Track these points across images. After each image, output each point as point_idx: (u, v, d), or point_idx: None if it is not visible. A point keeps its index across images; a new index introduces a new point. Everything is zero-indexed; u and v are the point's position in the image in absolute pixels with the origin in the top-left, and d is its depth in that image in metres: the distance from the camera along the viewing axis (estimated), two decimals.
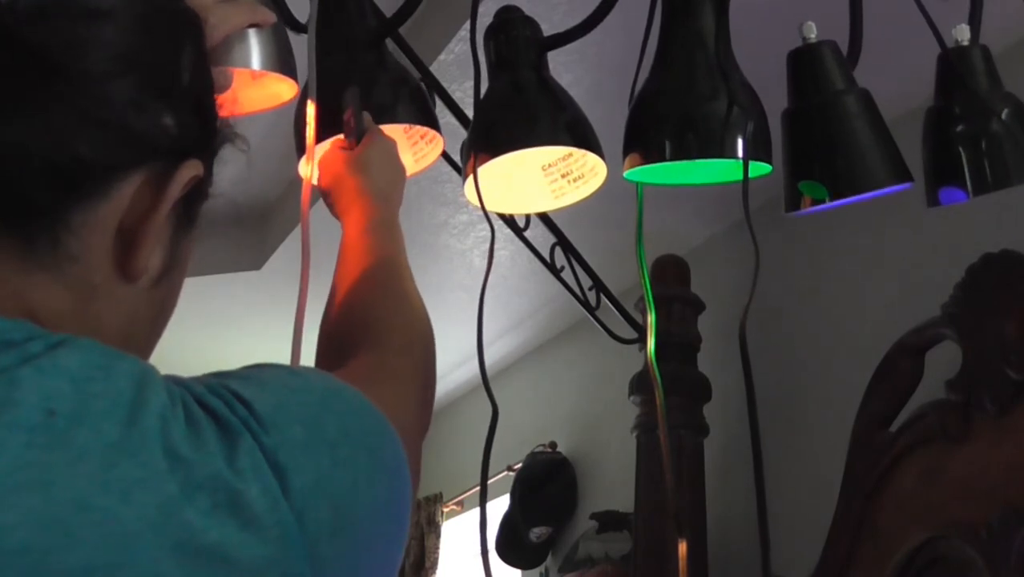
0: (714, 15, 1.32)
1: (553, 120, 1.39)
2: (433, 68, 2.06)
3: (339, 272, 1.10)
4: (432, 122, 1.42)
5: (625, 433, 2.69)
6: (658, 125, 1.31)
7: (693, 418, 2.58)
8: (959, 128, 1.34)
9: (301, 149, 1.32)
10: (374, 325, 0.99)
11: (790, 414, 2.55)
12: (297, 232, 2.89)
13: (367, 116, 1.29)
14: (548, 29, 1.49)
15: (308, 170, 1.24)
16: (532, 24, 1.46)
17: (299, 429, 0.63)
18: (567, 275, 2.36)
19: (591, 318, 2.53)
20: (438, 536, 3.92)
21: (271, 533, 0.58)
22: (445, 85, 1.91)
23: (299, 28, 1.44)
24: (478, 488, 1.41)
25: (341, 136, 1.29)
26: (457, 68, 2.22)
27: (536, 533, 3.32)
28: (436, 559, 3.88)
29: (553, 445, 3.45)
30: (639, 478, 2.62)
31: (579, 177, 1.44)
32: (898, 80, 1.97)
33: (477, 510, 1.39)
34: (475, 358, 1.40)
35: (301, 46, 1.32)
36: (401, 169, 1.27)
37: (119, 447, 0.56)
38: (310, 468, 0.61)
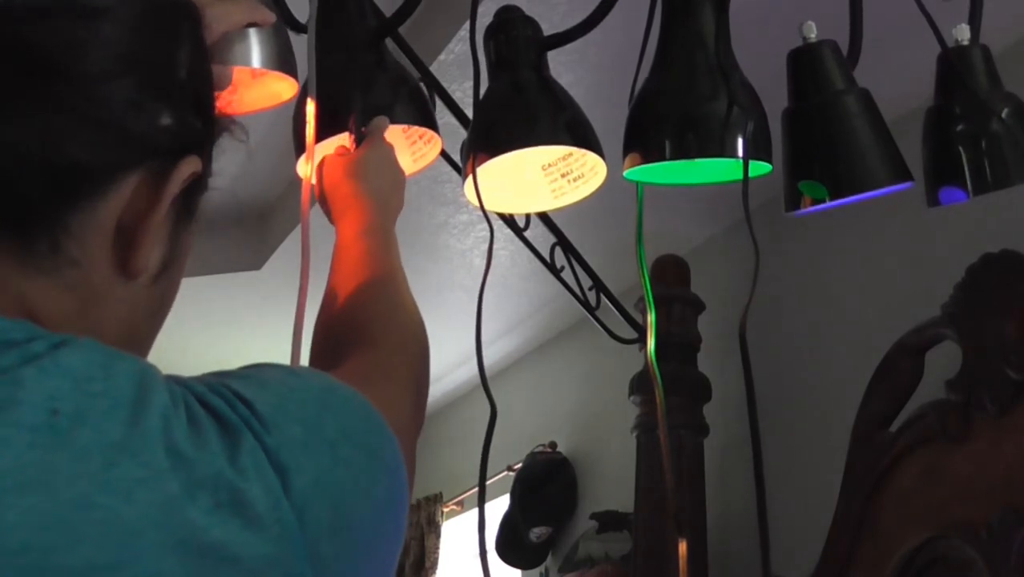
0: (714, 15, 1.32)
1: (553, 120, 1.39)
2: (433, 68, 2.06)
3: (333, 275, 1.11)
4: (430, 123, 1.42)
5: (625, 433, 2.69)
6: (658, 125, 1.31)
7: (693, 418, 2.58)
8: (959, 128, 1.34)
9: (300, 148, 1.32)
10: (368, 327, 0.99)
11: (790, 414, 2.55)
12: (297, 232, 2.89)
13: (376, 122, 1.29)
14: (548, 29, 1.49)
15: (307, 170, 1.24)
16: (532, 24, 1.46)
17: (299, 429, 0.63)
18: (567, 275, 2.36)
19: (591, 318, 2.53)
20: (438, 536, 3.92)
21: (272, 532, 0.58)
22: (445, 85, 1.91)
23: (299, 28, 1.44)
24: (478, 488, 1.41)
25: (342, 140, 1.29)
26: (457, 68, 2.22)
27: (536, 533, 3.32)
28: (436, 559, 3.88)
29: (553, 445, 3.45)
30: (639, 478, 2.62)
31: (579, 177, 1.44)
32: (898, 80, 1.97)
33: (477, 510, 1.39)
34: (475, 358, 1.40)
35: (301, 45, 1.32)
36: (400, 174, 1.27)
37: (121, 446, 0.56)
38: (310, 467, 0.62)
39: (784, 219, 1.42)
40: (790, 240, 2.60)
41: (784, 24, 1.40)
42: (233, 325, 3.57)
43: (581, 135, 1.39)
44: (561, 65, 2.00)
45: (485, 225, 2.79)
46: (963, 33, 1.35)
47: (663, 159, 1.30)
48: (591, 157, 1.40)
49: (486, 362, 1.42)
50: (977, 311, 2.03)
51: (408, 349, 0.99)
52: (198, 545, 0.56)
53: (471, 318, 1.42)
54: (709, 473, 2.56)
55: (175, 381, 0.62)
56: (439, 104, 1.68)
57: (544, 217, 2.21)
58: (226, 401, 0.61)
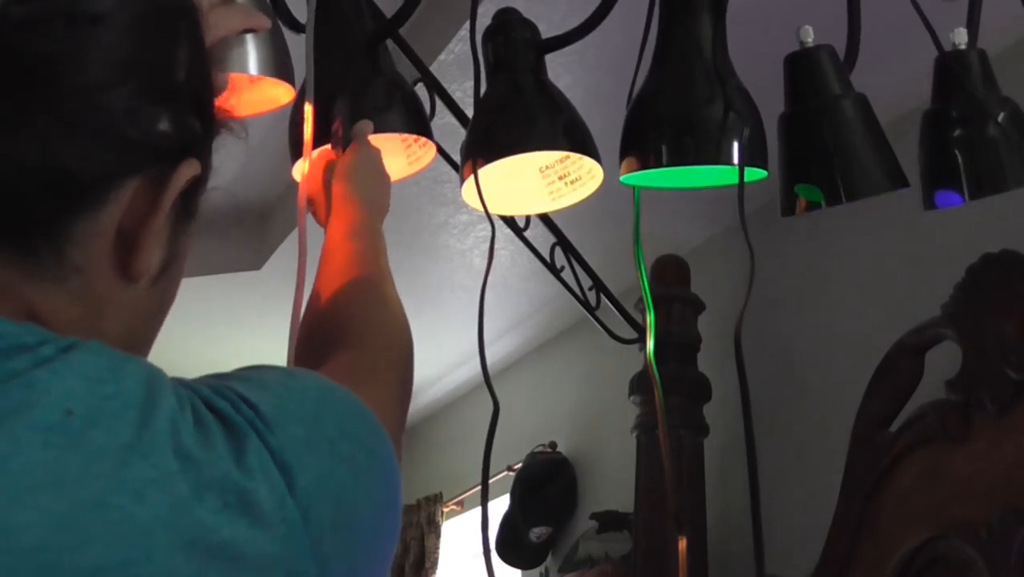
0: (711, 19, 1.32)
1: (550, 124, 1.39)
2: (433, 68, 2.06)
3: (320, 275, 1.11)
4: (424, 130, 1.42)
5: (625, 433, 2.69)
6: (655, 130, 1.31)
7: (693, 418, 2.58)
8: (956, 131, 1.34)
9: (296, 152, 1.32)
10: (355, 327, 1.00)
11: (790, 414, 2.56)
12: (297, 232, 2.89)
13: (360, 126, 1.30)
14: (547, 30, 1.49)
15: (303, 172, 1.25)
16: (530, 26, 1.46)
17: (300, 429, 0.64)
18: (567, 275, 2.36)
19: (591, 318, 2.53)
20: (438, 536, 3.92)
21: (278, 531, 0.59)
22: (445, 85, 1.91)
23: (298, 28, 1.44)
24: (478, 488, 1.41)
25: (329, 147, 1.29)
26: (457, 68, 2.22)
27: (536, 533, 3.33)
28: (436, 559, 3.89)
29: (553, 445, 3.45)
30: (639, 478, 2.62)
31: (576, 180, 1.44)
32: (895, 83, 1.97)
33: (477, 510, 1.39)
34: (475, 358, 1.40)
35: (298, 48, 1.32)
36: (385, 178, 1.28)
37: (132, 448, 0.57)
38: (313, 466, 0.62)
39: (783, 220, 1.42)
40: (789, 241, 2.60)
41: (781, 28, 1.40)
42: (233, 325, 3.58)
43: (578, 139, 1.39)
44: (560, 67, 2.00)
45: (485, 225, 2.80)
46: (960, 37, 1.35)
47: (660, 165, 1.30)
48: (588, 161, 1.40)
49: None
50: (977, 311, 2.03)
51: (393, 348, 1.00)
52: (207, 544, 0.57)
53: (471, 318, 1.42)
54: (709, 473, 2.56)
55: (181, 384, 0.63)
56: (439, 104, 1.69)
57: (544, 217, 2.21)
58: (231, 403, 0.62)
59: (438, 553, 3.89)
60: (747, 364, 1.28)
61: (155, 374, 0.62)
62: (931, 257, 2.30)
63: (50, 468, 0.55)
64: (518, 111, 1.40)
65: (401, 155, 1.43)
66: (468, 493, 3.84)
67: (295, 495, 0.61)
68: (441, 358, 3.81)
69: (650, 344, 1.47)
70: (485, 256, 2.29)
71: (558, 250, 2.32)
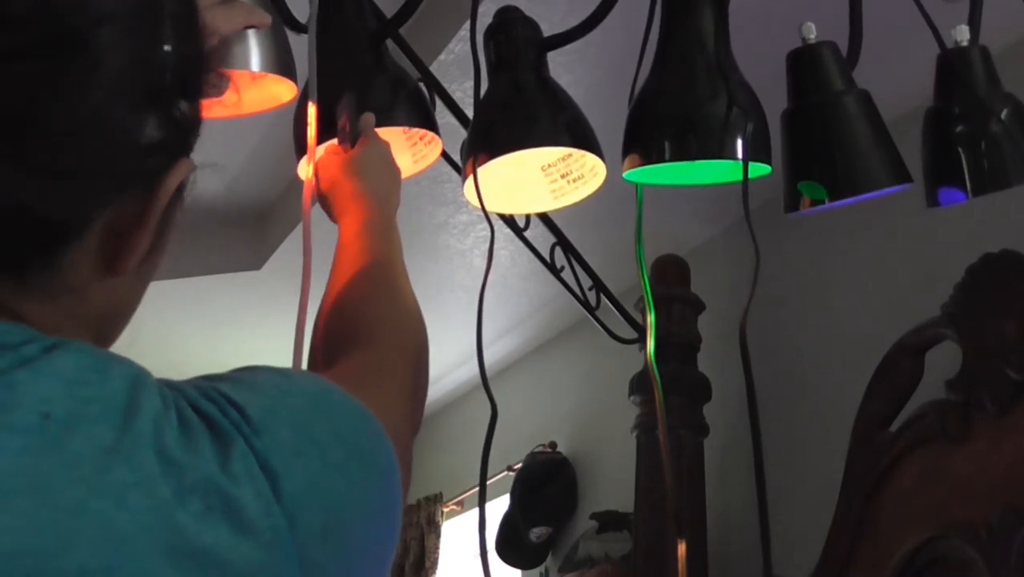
0: (713, 15, 1.32)
1: (552, 121, 1.39)
2: (433, 68, 2.06)
3: (334, 273, 1.10)
4: (430, 124, 1.42)
5: (625, 433, 2.69)
6: (658, 126, 1.31)
7: (693, 418, 2.58)
8: (958, 128, 1.34)
9: (301, 150, 1.32)
10: (367, 324, 0.99)
11: (790, 414, 2.55)
12: (297, 232, 2.89)
13: (364, 120, 1.29)
14: (548, 29, 1.49)
15: (308, 171, 1.24)
16: (532, 24, 1.46)
17: (288, 432, 0.62)
18: (567, 275, 2.36)
19: (591, 318, 2.53)
20: (438, 536, 3.92)
21: (264, 537, 0.58)
22: (445, 85, 1.91)
23: (299, 28, 1.44)
24: (478, 488, 1.41)
25: (336, 141, 1.29)
26: (457, 68, 2.22)
27: (536, 533, 3.32)
28: (436, 559, 3.88)
29: (553, 445, 3.45)
30: (639, 478, 2.62)
31: (579, 178, 1.44)
32: (898, 80, 1.97)
33: (477, 510, 1.39)
34: (475, 358, 1.40)
35: (300, 47, 1.32)
36: (396, 172, 1.27)
37: (113, 451, 0.56)
38: (301, 472, 0.61)
39: (784, 219, 1.42)
40: (790, 240, 2.60)
41: (784, 24, 1.40)
42: (233, 325, 3.57)
43: (580, 136, 1.39)
44: (561, 65, 2.00)
45: (485, 225, 2.80)
46: (962, 34, 1.35)
47: (663, 160, 1.30)
48: (590, 158, 1.40)
49: (486, 362, 1.42)
50: (977, 311, 2.03)
51: (406, 348, 0.98)
52: (189, 550, 0.56)
53: (471, 318, 1.42)
54: (709, 473, 2.56)
55: (167, 385, 0.62)
56: (439, 104, 1.69)
57: (544, 217, 2.21)
58: (217, 406, 0.61)
59: (438, 553, 3.89)
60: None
61: (141, 376, 0.60)
62: (931, 257, 2.30)
63: (28, 472, 0.54)
64: (520, 108, 1.40)
65: (406, 153, 1.44)
66: (468, 493, 3.84)
67: (281, 501, 0.60)
68: (441, 358, 3.81)
69: (651, 344, 1.46)
70: (485, 256, 2.29)
71: (558, 250, 2.32)
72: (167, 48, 0.66)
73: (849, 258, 2.54)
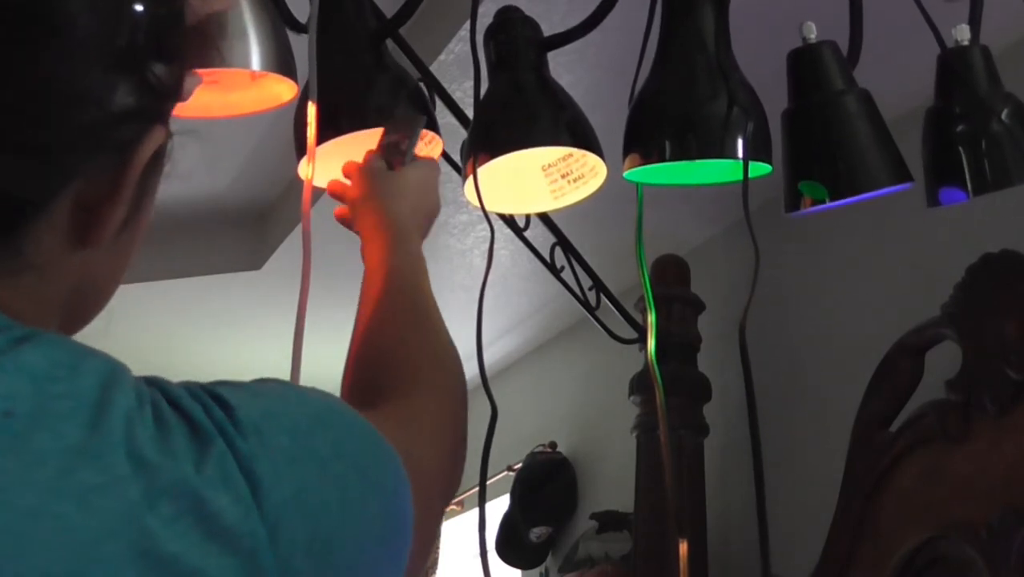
0: (714, 15, 1.32)
1: (553, 120, 1.39)
2: (433, 68, 2.05)
3: (364, 306, 1.06)
4: (431, 124, 1.42)
5: (625, 433, 2.69)
6: (658, 125, 1.31)
7: (693, 418, 2.58)
8: (959, 128, 1.34)
9: (301, 150, 1.32)
10: (404, 368, 0.95)
11: (790, 414, 2.55)
12: (297, 232, 2.89)
13: (421, 146, 1.26)
14: (548, 29, 1.49)
15: (308, 172, 1.24)
16: (532, 24, 1.46)
17: (286, 439, 0.60)
18: (567, 275, 2.36)
19: (591, 318, 2.53)
20: (438, 536, 3.92)
21: (239, 545, 0.55)
22: (445, 85, 1.91)
23: (299, 28, 1.44)
24: (478, 488, 1.41)
25: (343, 142, 1.29)
26: (457, 68, 2.22)
27: (536, 533, 3.32)
28: (436, 559, 3.88)
29: (553, 445, 3.45)
30: (639, 478, 2.62)
31: (579, 177, 1.44)
32: (898, 80, 1.97)
33: (477, 510, 1.39)
34: (475, 358, 1.40)
35: (300, 47, 1.32)
36: (437, 202, 1.24)
37: (79, 451, 0.53)
38: (291, 481, 0.59)
39: (784, 219, 1.42)
40: (790, 240, 2.60)
41: (784, 24, 1.40)
42: (233, 325, 3.57)
43: (581, 135, 1.39)
44: (561, 65, 2.00)
45: (485, 225, 2.79)
46: (963, 33, 1.35)
47: (663, 160, 1.30)
48: (591, 158, 1.40)
49: (486, 362, 1.42)
50: (977, 311, 2.03)
51: (437, 392, 0.94)
52: (158, 556, 0.53)
53: (471, 318, 1.42)
54: (709, 473, 2.55)
55: (147, 382, 0.59)
56: (439, 104, 1.69)
57: (544, 217, 2.21)
58: (202, 405, 0.58)
59: (438, 553, 3.89)
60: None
61: (116, 371, 0.58)
62: (931, 257, 2.30)
63: None
64: (520, 108, 1.40)
65: None
66: (468, 493, 3.83)
67: (262, 509, 0.57)
68: None
69: (651, 344, 1.47)
70: (485, 256, 2.29)
71: (558, 250, 2.32)
72: (138, 8, 0.61)
73: (849, 258, 2.54)
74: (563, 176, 1.45)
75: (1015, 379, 1.94)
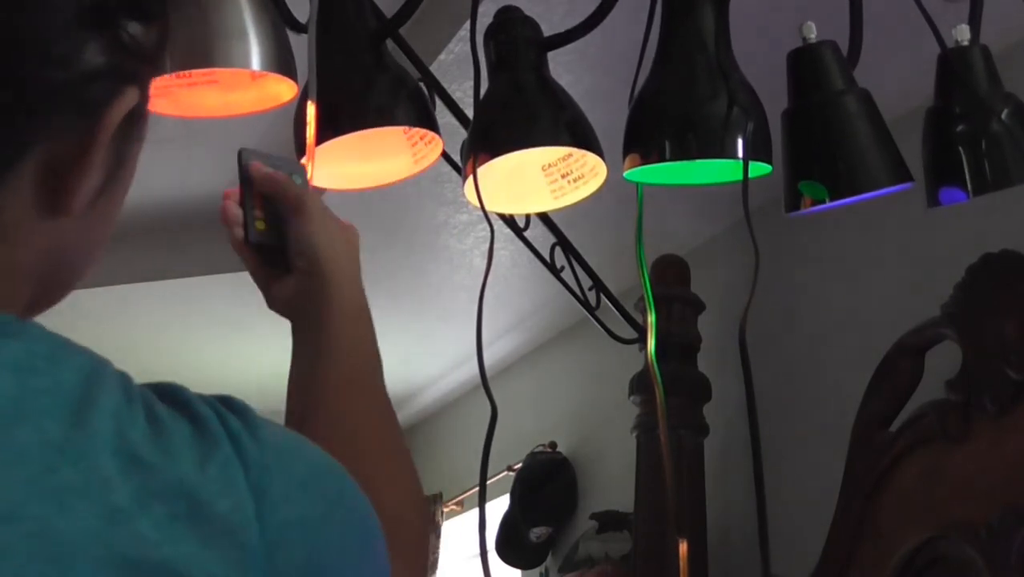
0: (714, 15, 1.32)
1: (553, 120, 1.39)
2: (433, 68, 2.05)
3: (299, 409, 0.96)
4: (431, 123, 1.42)
5: (625, 433, 2.69)
6: (658, 125, 1.31)
7: (693, 418, 2.58)
8: (959, 128, 1.34)
9: (301, 150, 1.32)
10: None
11: (790, 414, 2.55)
12: None
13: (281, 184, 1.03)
14: (548, 29, 1.49)
15: (308, 171, 1.24)
16: (532, 24, 1.46)
17: (303, 468, 0.59)
18: (567, 275, 2.36)
19: (591, 318, 2.53)
20: (438, 536, 3.92)
21: (232, 555, 0.53)
22: (445, 85, 1.91)
23: (299, 28, 1.44)
24: (478, 488, 1.41)
25: (343, 143, 1.27)
26: (457, 68, 2.22)
27: (536, 533, 3.32)
28: (436, 559, 3.88)
29: (553, 445, 3.45)
30: (639, 478, 2.62)
31: (579, 177, 1.44)
32: (898, 80, 1.97)
33: (477, 510, 1.39)
34: (475, 358, 1.40)
35: (300, 47, 1.32)
36: (340, 238, 1.03)
37: (61, 450, 0.50)
38: (300, 506, 0.57)
39: (784, 219, 1.42)
40: (790, 240, 2.60)
41: (784, 24, 1.40)
42: (233, 325, 3.57)
43: (581, 135, 1.39)
44: (561, 65, 2.00)
45: (485, 225, 2.79)
46: (963, 33, 1.35)
47: (663, 160, 1.30)
48: (591, 158, 1.40)
49: (486, 362, 1.42)
50: (977, 311, 2.03)
51: (400, 455, 0.94)
52: (144, 561, 0.50)
53: (471, 318, 1.42)
54: (709, 473, 2.56)
55: (140, 385, 0.57)
56: (439, 104, 1.69)
57: (544, 217, 2.21)
58: (215, 412, 0.57)
59: (438, 553, 3.89)
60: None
61: (99, 367, 0.55)
62: (931, 257, 2.30)
63: None
64: (520, 108, 1.40)
65: (407, 153, 1.44)
66: (468, 493, 3.84)
67: (263, 522, 0.55)
68: (441, 358, 3.81)
69: (651, 344, 1.47)
70: (485, 256, 2.29)
71: (558, 250, 2.32)
72: None
73: (849, 257, 2.54)
74: (563, 176, 1.45)
75: (1015, 379, 1.94)
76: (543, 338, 3.67)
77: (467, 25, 1.50)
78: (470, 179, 1.36)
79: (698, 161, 1.32)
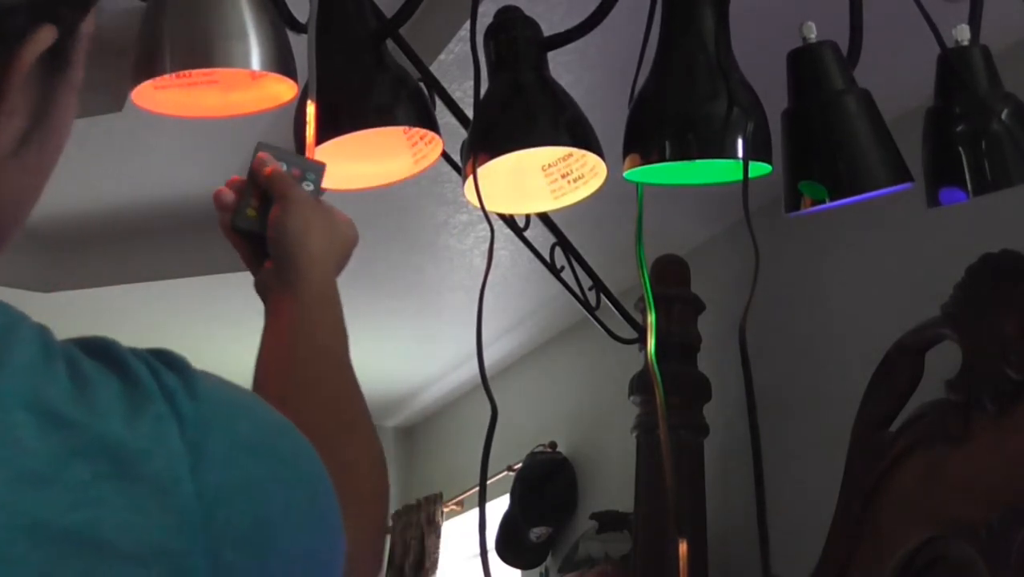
0: (714, 15, 1.32)
1: (553, 120, 1.39)
2: (433, 68, 2.05)
3: (277, 374, 0.96)
4: (431, 123, 1.42)
5: (625, 433, 2.69)
6: (658, 125, 1.31)
7: (693, 418, 2.58)
8: (959, 128, 1.34)
9: (301, 150, 1.32)
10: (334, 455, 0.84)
11: (790, 414, 2.55)
12: None
13: (274, 177, 1.07)
14: (548, 29, 1.49)
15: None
16: (532, 24, 1.46)
17: (248, 427, 0.56)
18: (567, 275, 2.36)
19: (591, 318, 2.53)
20: (438, 536, 3.92)
21: (164, 517, 0.49)
22: (445, 85, 1.91)
23: (299, 28, 1.44)
24: (478, 488, 1.41)
25: (343, 143, 1.28)
26: (457, 68, 2.22)
27: (536, 533, 3.33)
28: (436, 559, 3.88)
29: (553, 445, 3.45)
30: (639, 478, 2.62)
31: (579, 177, 1.44)
32: (898, 80, 1.97)
33: (477, 510, 1.39)
34: (475, 358, 1.40)
35: (300, 47, 1.32)
36: (327, 231, 1.05)
37: None
38: (244, 467, 0.54)
39: (784, 219, 1.42)
40: (790, 240, 2.60)
41: (784, 24, 1.40)
42: (233, 325, 3.57)
43: (581, 135, 1.39)
44: (561, 65, 2.00)
45: (485, 225, 2.79)
46: (963, 33, 1.35)
47: (663, 160, 1.30)
48: (591, 158, 1.40)
49: (486, 362, 1.42)
50: (977, 311, 2.03)
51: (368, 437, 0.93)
52: (62, 527, 0.46)
53: (471, 318, 1.42)
54: (709, 473, 2.56)
55: (81, 342, 0.53)
56: (439, 104, 1.69)
57: (544, 217, 2.21)
58: (148, 365, 0.53)
59: (438, 553, 3.89)
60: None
61: (13, 323, 0.51)
62: (931, 257, 2.30)
63: None
64: (520, 108, 1.40)
65: (407, 153, 1.44)
66: (468, 493, 3.84)
67: (202, 482, 0.51)
68: (441, 358, 3.81)
69: (651, 344, 1.47)
70: (485, 256, 2.29)
71: (558, 250, 2.32)
72: None
73: (849, 258, 2.54)
74: (563, 176, 1.45)
75: (1015, 379, 1.94)
76: (543, 338, 3.67)
77: (467, 25, 1.50)
78: (470, 179, 1.36)
79: (698, 161, 1.32)
